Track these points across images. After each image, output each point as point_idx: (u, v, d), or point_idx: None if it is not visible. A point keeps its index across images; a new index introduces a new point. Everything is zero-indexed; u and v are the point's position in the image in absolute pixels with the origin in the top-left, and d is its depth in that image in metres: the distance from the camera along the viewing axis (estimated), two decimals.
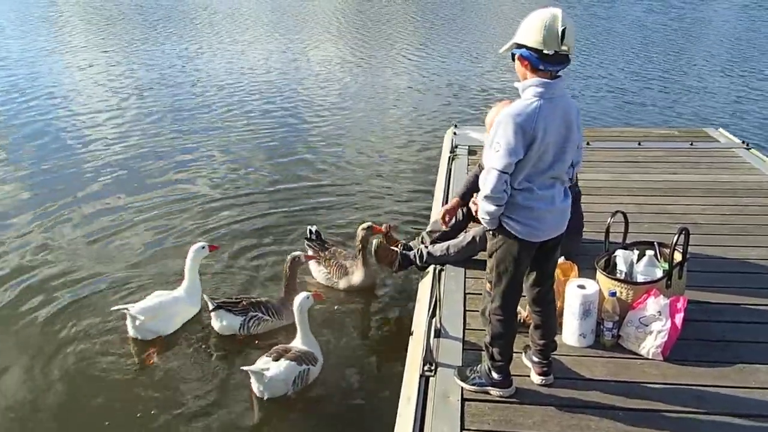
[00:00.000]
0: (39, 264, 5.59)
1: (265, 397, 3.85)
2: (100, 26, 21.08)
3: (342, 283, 5.01)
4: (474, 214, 2.89)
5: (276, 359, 3.84)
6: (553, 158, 2.64)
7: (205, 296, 4.50)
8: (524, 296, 2.97)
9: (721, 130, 7.29)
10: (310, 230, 5.33)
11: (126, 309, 4.42)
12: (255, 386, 3.85)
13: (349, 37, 18.80)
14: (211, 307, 4.42)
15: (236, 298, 4.53)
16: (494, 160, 2.59)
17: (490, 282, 2.85)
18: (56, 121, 10.28)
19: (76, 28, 20.57)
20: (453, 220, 4.49)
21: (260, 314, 4.47)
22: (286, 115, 10.53)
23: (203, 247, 4.70)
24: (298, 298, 4.01)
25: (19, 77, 13.37)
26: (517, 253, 2.73)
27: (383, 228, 4.90)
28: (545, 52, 2.52)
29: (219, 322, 4.46)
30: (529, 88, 2.60)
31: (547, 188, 2.69)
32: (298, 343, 4.02)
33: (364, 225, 4.96)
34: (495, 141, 2.60)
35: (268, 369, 3.79)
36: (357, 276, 4.97)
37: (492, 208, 2.65)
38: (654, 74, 13.43)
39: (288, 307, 4.43)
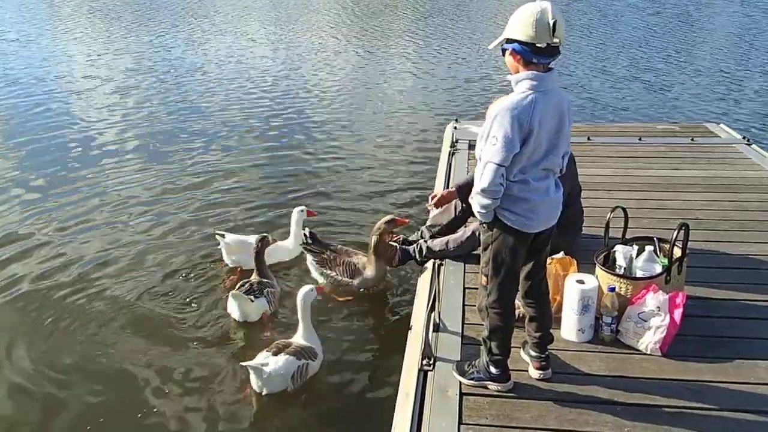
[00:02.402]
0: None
1: (264, 393, 3.84)
2: (94, 15, 21.07)
3: (357, 282, 4.81)
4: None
5: (275, 354, 3.84)
6: (547, 150, 2.66)
7: (232, 294, 4.49)
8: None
9: (722, 125, 7.28)
10: (305, 234, 5.08)
11: (222, 235, 5.18)
12: (254, 382, 3.84)
13: (348, 30, 18.76)
14: (240, 302, 4.48)
15: (242, 284, 4.62)
16: (492, 154, 2.60)
17: (486, 276, 2.85)
18: (56, 108, 10.37)
19: (73, 17, 20.56)
20: (442, 209, 4.53)
21: (269, 288, 4.65)
22: (283, 108, 10.53)
23: (302, 210, 5.31)
24: (302, 291, 3.99)
25: (15, 65, 13.51)
26: (513, 245, 2.74)
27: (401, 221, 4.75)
28: (538, 45, 2.54)
29: (253, 311, 4.54)
30: (523, 81, 2.61)
31: (541, 179, 2.71)
32: (299, 338, 4.01)
33: (387, 218, 4.66)
34: (492, 135, 2.61)
35: (267, 364, 3.78)
36: (369, 270, 4.75)
37: (488, 201, 2.65)
38: (655, 69, 13.39)
39: (268, 277, 4.79)
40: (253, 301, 4.52)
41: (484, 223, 2.78)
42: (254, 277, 4.74)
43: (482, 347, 2.98)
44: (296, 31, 18.47)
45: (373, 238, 4.62)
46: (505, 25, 2.64)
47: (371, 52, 15.38)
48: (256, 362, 3.80)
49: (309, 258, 5.02)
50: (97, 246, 5.81)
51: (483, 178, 2.63)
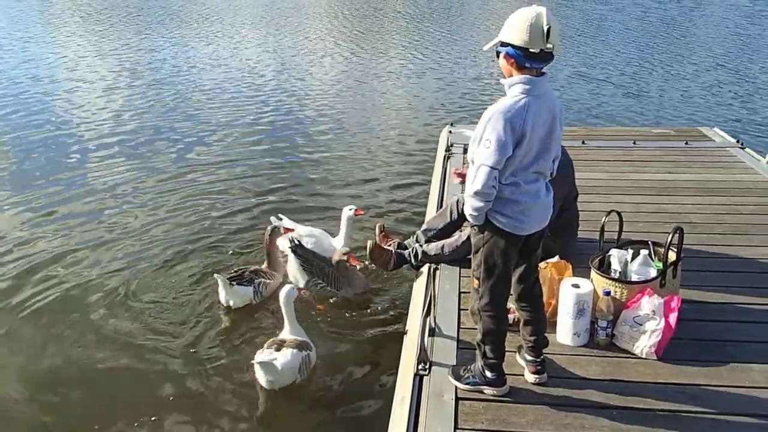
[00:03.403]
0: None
1: (277, 388, 3.87)
2: (92, 18, 21.03)
3: (341, 293, 4.85)
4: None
5: (278, 350, 3.89)
6: (538, 154, 2.68)
7: (216, 275, 4.72)
8: (511, 294, 2.97)
9: (716, 129, 7.30)
10: (291, 239, 4.98)
11: (279, 218, 5.43)
12: (264, 379, 3.86)
13: (343, 35, 18.76)
14: (222, 284, 4.68)
15: (236, 271, 4.82)
16: (485, 157, 2.61)
17: (478, 278, 2.85)
18: (48, 110, 10.40)
19: (69, 19, 20.54)
20: (438, 213, 4.59)
21: (263, 279, 4.81)
22: (278, 114, 10.49)
23: (351, 209, 5.33)
24: (284, 290, 4.08)
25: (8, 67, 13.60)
26: (504, 247, 2.75)
27: (376, 229, 4.92)
28: (531, 50, 2.56)
29: (235, 297, 4.73)
30: (516, 85, 2.64)
31: (532, 182, 2.73)
32: (287, 334, 4.07)
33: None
34: (485, 138, 2.62)
35: (276, 359, 3.82)
36: (349, 283, 4.87)
37: (480, 204, 2.67)
38: (649, 73, 13.45)
39: (276, 269, 5.01)
40: (232, 285, 4.67)
41: (475, 225, 2.79)
42: (264, 266, 4.97)
43: (477, 351, 2.98)
44: (287, 35, 18.45)
45: (369, 243, 4.63)
46: (500, 28, 2.66)
47: (364, 57, 15.38)
48: (267, 358, 3.82)
49: (297, 263, 4.86)
50: (92, 241, 5.92)
51: (476, 180, 2.65)
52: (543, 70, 2.67)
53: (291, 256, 4.89)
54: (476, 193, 2.66)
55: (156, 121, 9.95)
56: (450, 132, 7.02)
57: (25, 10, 23.31)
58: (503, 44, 2.64)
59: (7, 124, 9.75)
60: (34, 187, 7.25)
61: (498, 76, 2.76)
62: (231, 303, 4.74)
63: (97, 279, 5.25)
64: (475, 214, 2.72)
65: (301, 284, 4.83)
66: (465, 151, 6.41)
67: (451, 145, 6.58)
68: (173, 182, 7.39)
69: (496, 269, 2.80)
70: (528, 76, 2.62)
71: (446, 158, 6.25)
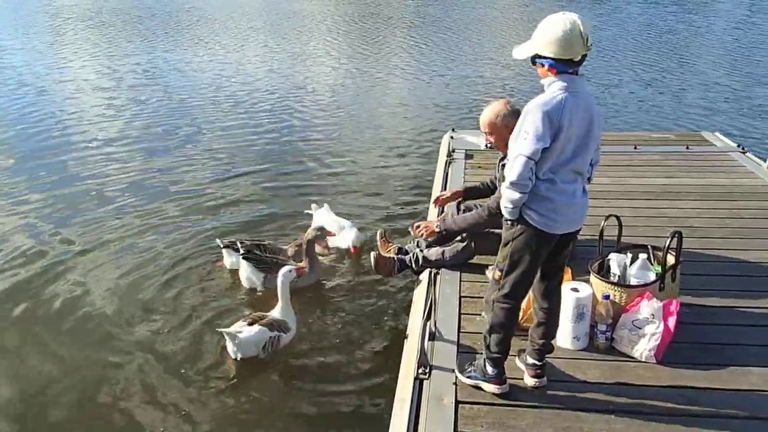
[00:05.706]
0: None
1: (238, 358, 4.17)
2: (90, 26, 21.13)
3: (299, 281, 4.92)
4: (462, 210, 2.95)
5: (250, 324, 4.15)
6: (575, 151, 2.70)
7: (217, 239, 5.34)
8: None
9: (717, 133, 7.31)
10: (244, 244, 5.15)
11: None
12: (229, 347, 4.16)
13: (344, 40, 18.80)
14: (221, 244, 5.19)
15: (241, 242, 5.15)
16: (522, 147, 2.64)
17: (501, 270, 2.85)
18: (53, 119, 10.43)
19: (70, 28, 20.64)
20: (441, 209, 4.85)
21: (254, 254, 5.08)
22: (279, 118, 10.53)
23: (356, 231, 5.70)
24: (282, 271, 4.30)
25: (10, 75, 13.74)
26: (535, 244, 2.76)
27: (377, 235, 4.96)
28: (575, 60, 2.63)
29: (228, 258, 5.23)
30: (554, 83, 2.67)
31: (569, 182, 2.74)
32: (275, 313, 4.31)
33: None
34: (523, 129, 2.65)
35: (241, 332, 4.13)
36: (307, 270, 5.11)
37: (516, 195, 2.67)
38: (650, 78, 13.46)
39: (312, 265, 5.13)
40: (221, 247, 5.20)
41: (509, 219, 2.79)
42: (290, 246, 5.37)
43: (482, 344, 2.99)
44: (285, 40, 18.49)
45: (372, 254, 4.67)
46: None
47: (366, 62, 15.39)
48: (232, 329, 4.12)
49: (250, 267, 5.00)
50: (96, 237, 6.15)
51: (512, 170, 2.66)
52: (579, 72, 2.71)
53: (243, 263, 5.06)
54: (512, 184, 2.66)
55: (154, 123, 10.18)
56: (451, 138, 7.03)
57: (15, 17, 23.46)
58: (541, 56, 2.66)
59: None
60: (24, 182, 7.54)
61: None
62: (227, 264, 5.25)
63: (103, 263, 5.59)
64: (510, 206, 2.72)
65: (258, 284, 5.05)
66: (466, 156, 6.45)
67: (453, 151, 6.60)
68: (173, 185, 7.55)
69: (522, 264, 2.80)
70: (566, 75, 2.66)
71: (447, 164, 6.27)
